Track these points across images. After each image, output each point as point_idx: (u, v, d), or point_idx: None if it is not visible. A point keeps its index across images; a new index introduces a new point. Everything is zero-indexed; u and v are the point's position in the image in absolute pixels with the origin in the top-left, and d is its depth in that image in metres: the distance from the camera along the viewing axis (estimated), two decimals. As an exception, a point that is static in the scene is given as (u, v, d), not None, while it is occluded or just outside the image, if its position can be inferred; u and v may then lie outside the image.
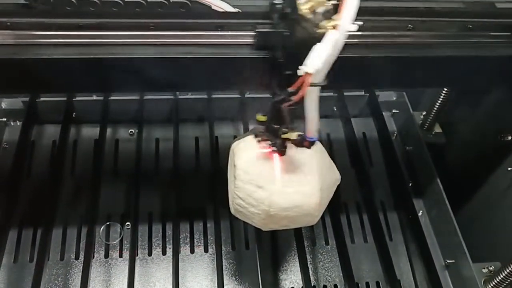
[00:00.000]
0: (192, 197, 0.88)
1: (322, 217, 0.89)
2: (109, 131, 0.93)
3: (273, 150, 0.62)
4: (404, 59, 0.57)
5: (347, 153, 0.96)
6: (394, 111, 1.00)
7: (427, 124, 0.97)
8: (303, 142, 0.60)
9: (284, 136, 0.59)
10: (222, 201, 0.72)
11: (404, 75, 0.60)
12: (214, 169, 0.86)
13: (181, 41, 0.53)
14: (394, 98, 1.00)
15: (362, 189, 0.89)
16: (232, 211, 0.71)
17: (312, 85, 0.50)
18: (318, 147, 0.70)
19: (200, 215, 0.87)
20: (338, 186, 0.72)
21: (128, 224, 0.85)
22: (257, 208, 0.66)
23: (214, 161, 0.87)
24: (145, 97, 0.92)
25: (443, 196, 0.84)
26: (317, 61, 0.47)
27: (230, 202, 0.70)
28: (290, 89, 0.52)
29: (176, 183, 0.85)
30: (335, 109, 0.98)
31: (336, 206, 0.85)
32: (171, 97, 0.92)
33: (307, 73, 0.48)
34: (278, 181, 0.65)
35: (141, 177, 0.87)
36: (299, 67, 0.48)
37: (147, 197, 0.87)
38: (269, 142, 0.63)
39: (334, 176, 0.71)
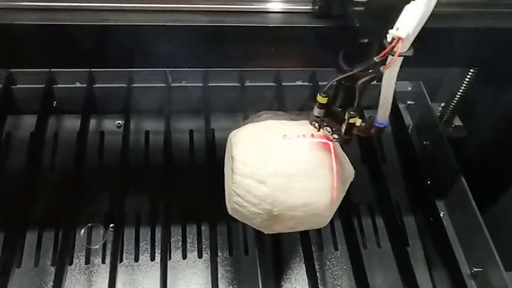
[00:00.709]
0: (185, 196, 0.79)
1: (330, 220, 0.80)
2: (93, 122, 0.84)
3: (334, 139, 0.54)
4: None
5: (358, 148, 0.87)
6: (409, 102, 0.91)
7: (445, 117, 0.88)
8: (371, 129, 0.51)
9: (350, 120, 0.51)
10: (219, 200, 0.64)
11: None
12: (210, 165, 0.77)
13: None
14: (409, 88, 0.91)
15: (375, 188, 0.80)
16: (229, 210, 0.61)
17: (400, 55, 0.42)
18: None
19: (193, 216, 0.78)
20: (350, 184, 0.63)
21: (112, 226, 0.75)
22: (258, 207, 0.57)
23: (210, 156, 0.78)
24: (134, 85, 0.83)
25: (469, 195, 0.75)
26: (411, 24, 0.40)
27: (227, 201, 0.61)
28: (377, 59, 0.44)
29: (168, 180, 0.76)
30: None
31: (346, 207, 0.75)
32: (163, 85, 0.83)
33: (399, 38, 0.41)
34: (284, 175, 0.56)
35: (129, 173, 0.78)
36: (389, 31, 0.41)
37: (135, 196, 0.78)
38: (329, 129, 0.54)
39: (347, 171, 0.62)
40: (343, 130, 0.52)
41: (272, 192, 0.56)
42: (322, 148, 0.58)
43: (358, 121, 0.50)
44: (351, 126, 0.51)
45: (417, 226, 0.81)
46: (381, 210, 0.79)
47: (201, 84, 0.84)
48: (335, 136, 0.53)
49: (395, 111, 0.85)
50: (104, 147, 0.84)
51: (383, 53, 0.43)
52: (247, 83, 0.85)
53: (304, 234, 0.70)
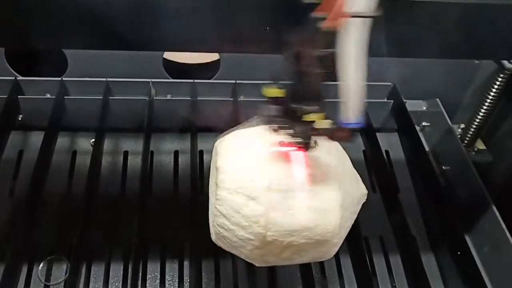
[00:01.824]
0: (165, 226, 0.68)
1: (336, 255, 0.68)
2: (64, 140, 0.73)
3: (293, 144, 0.43)
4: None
5: (367, 175, 0.76)
6: (424, 124, 0.81)
7: (466, 140, 0.78)
8: (337, 132, 0.40)
9: (307, 118, 0.40)
10: (203, 231, 0.52)
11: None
12: (195, 191, 0.65)
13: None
14: (424, 108, 0.80)
15: (390, 220, 0.68)
16: (213, 237, 0.50)
17: (355, 15, 0.32)
18: (338, 147, 0.50)
19: (174, 249, 0.66)
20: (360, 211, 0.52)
21: (77, 260, 0.63)
22: (248, 231, 0.45)
23: (195, 182, 0.66)
24: (111, 97, 0.72)
25: (503, 228, 0.63)
26: None
27: (211, 224, 0.49)
28: (315, 14, 0.33)
29: (145, 207, 0.64)
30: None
31: (354, 241, 0.64)
32: (145, 98, 0.73)
33: None
34: (279, 190, 0.45)
35: (100, 199, 0.68)
36: None
37: (106, 226, 0.67)
38: (287, 132, 0.43)
39: (359, 190, 0.50)
40: (301, 131, 0.41)
41: (266, 211, 0.44)
42: (326, 157, 0.47)
43: (315, 117, 0.39)
44: (309, 126, 0.40)
45: (439, 265, 0.69)
46: (397, 245, 0.67)
47: (189, 98, 0.74)
48: (293, 139, 0.43)
49: (411, 132, 0.75)
50: (76, 168, 0.73)
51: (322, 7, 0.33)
52: (241, 98, 0.75)
53: (306, 269, 0.58)
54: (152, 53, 0.74)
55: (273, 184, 0.44)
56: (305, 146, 0.43)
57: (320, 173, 0.46)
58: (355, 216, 0.50)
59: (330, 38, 0.35)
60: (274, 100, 0.41)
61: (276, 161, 0.45)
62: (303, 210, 0.45)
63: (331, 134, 0.40)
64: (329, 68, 0.37)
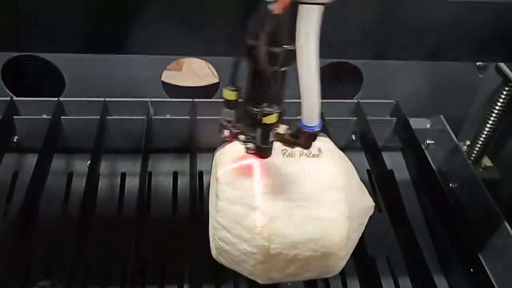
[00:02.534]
0: (164, 249, 0.65)
1: (343, 276, 0.65)
2: (60, 161, 0.71)
3: (248, 150, 0.40)
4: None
5: (372, 195, 0.73)
6: (428, 142, 0.79)
7: (473, 157, 0.76)
8: (298, 137, 0.37)
9: (267, 121, 0.37)
10: (204, 254, 0.50)
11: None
12: (194, 213, 0.62)
13: None
14: (428, 126, 0.79)
15: (397, 239, 0.65)
16: (213, 252, 0.47)
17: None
18: (343, 157, 0.48)
19: (172, 273, 0.63)
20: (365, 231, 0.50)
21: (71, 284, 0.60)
22: (251, 244, 0.43)
23: (194, 203, 0.64)
24: (108, 117, 0.71)
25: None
26: None
27: (211, 239, 0.47)
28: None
29: (143, 231, 0.62)
30: (354, 138, 0.77)
31: (361, 261, 0.61)
32: (142, 117, 0.71)
33: None
34: (283, 199, 0.43)
35: (97, 222, 0.66)
36: None
37: (102, 250, 0.64)
38: (242, 137, 0.40)
39: (366, 202, 0.48)
40: (258, 136, 0.39)
41: (269, 222, 0.42)
42: (331, 166, 0.45)
43: (272, 119, 0.37)
44: (267, 128, 0.38)
45: (450, 285, 0.66)
46: (406, 265, 0.64)
47: (188, 117, 0.72)
48: (249, 146, 0.40)
49: (416, 150, 0.73)
50: (72, 191, 0.71)
51: None
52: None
53: (309, 282, 0.55)
54: (150, 72, 0.73)
55: (276, 193, 0.42)
56: (265, 152, 0.40)
57: (306, 182, 0.43)
58: (362, 229, 0.48)
59: (282, 25, 0.32)
60: (230, 104, 0.39)
61: (279, 169, 0.44)
62: (308, 220, 0.43)
63: (291, 139, 0.38)
64: (285, 65, 0.35)
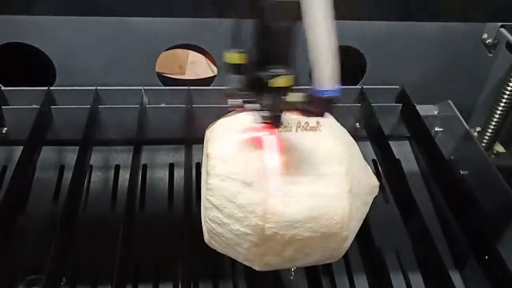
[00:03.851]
0: (158, 244, 0.62)
1: (349, 270, 0.61)
2: (49, 154, 0.68)
3: (262, 123, 0.37)
4: None
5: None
6: (436, 129, 0.75)
7: (484, 144, 0.72)
8: (312, 105, 0.34)
9: (274, 84, 0.34)
10: (200, 248, 0.46)
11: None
12: (190, 207, 0.58)
13: None
14: (436, 112, 0.75)
15: (407, 230, 0.61)
16: (205, 236, 0.44)
17: None
18: (344, 132, 0.45)
19: (167, 271, 0.60)
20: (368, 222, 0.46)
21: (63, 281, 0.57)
22: (244, 224, 0.39)
23: (189, 195, 0.60)
24: (100, 106, 0.68)
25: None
26: None
27: (203, 221, 0.44)
28: None
29: (137, 225, 0.58)
30: (358, 126, 0.73)
31: (369, 256, 0.57)
32: (135, 106, 0.68)
33: None
34: (278, 174, 0.39)
35: (88, 217, 0.64)
36: None
37: (93, 245, 0.61)
38: (252, 107, 0.37)
39: (369, 179, 0.45)
40: (267, 103, 0.35)
41: (264, 198, 0.39)
42: (330, 139, 0.42)
43: (284, 82, 0.33)
44: (277, 93, 0.34)
45: (465, 279, 0.62)
46: (417, 259, 0.61)
47: (184, 105, 0.69)
48: (264, 114, 0.36)
49: (425, 138, 0.69)
50: (63, 184, 0.68)
51: None
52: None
53: (313, 273, 0.51)
54: (144, 60, 0.70)
55: (271, 167, 0.39)
56: (275, 121, 0.37)
57: (305, 156, 0.40)
58: (366, 209, 0.44)
59: None
60: (236, 68, 0.35)
61: (276, 143, 0.40)
62: (306, 197, 0.39)
63: (305, 107, 0.34)
64: (295, 19, 0.31)
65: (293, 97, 0.35)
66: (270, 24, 0.32)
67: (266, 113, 0.36)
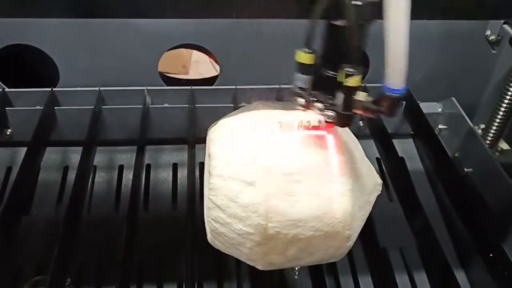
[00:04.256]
0: (162, 244, 0.62)
1: (354, 270, 0.61)
2: (54, 155, 0.69)
3: (328, 119, 0.37)
4: None
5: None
6: (440, 127, 0.75)
7: (488, 141, 0.71)
8: (382, 102, 0.34)
9: (348, 83, 0.34)
10: (205, 248, 0.46)
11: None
12: (194, 207, 0.59)
13: None
14: (440, 110, 0.75)
15: (411, 229, 0.61)
16: (208, 236, 0.44)
17: None
18: (346, 130, 0.45)
19: (171, 271, 0.60)
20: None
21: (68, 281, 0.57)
22: (247, 223, 0.39)
23: (193, 196, 0.60)
24: (103, 106, 0.68)
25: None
26: None
27: (206, 221, 0.44)
28: None
29: (141, 225, 0.59)
30: (362, 124, 0.73)
31: (372, 253, 0.57)
32: (139, 106, 0.68)
33: None
34: (280, 173, 0.39)
35: (92, 217, 0.63)
36: None
37: (97, 245, 0.61)
38: (320, 106, 0.38)
39: (372, 178, 0.45)
40: (339, 102, 0.35)
41: (265, 198, 0.39)
42: (330, 141, 0.41)
43: (356, 81, 0.34)
44: (350, 92, 0.34)
45: (470, 279, 0.61)
46: (422, 258, 0.60)
47: (187, 105, 0.69)
48: (330, 113, 0.37)
49: (429, 136, 0.68)
50: (66, 185, 0.68)
51: None
52: (242, 104, 0.70)
53: (317, 272, 0.51)
54: (147, 60, 0.70)
55: (273, 166, 0.39)
56: (346, 120, 0.37)
57: (307, 154, 0.40)
58: (369, 208, 0.44)
59: None
60: (306, 68, 0.36)
61: (275, 142, 0.40)
62: (308, 196, 0.39)
63: (374, 106, 0.34)
64: (371, 20, 0.33)
65: (361, 96, 0.35)
66: (348, 22, 0.32)
67: (332, 113, 0.37)
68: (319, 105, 0.37)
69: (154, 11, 0.35)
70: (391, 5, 0.30)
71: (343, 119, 0.36)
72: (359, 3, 0.32)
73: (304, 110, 0.39)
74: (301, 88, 0.37)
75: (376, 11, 0.31)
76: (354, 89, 0.34)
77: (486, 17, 0.59)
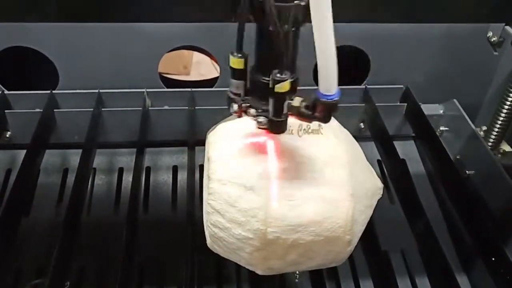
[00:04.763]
0: (162, 247, 0.61)
1: (355, 273, 0.61)
2: (53, 157, 0.68)
3: (259, 124, 0.37)
4: None
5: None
6: (442, 128, 0.74)
7: (490, 143, 0.71)
8: (315, 107, 0.34)
9: (279, 89, 0.33)
10: (204, 252, 0.46)
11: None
12: (194, 209, 0.58)
13: None
14: (441, 111, 0.74)
15: (412, 232, 0.61)
16: (208, 241, 0.43)
17: None
18: (347, 134, 0.45)
19: (171, 274, 0.60)
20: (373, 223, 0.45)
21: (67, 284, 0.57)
22: (246, 228, 0.39)
23: (193, 198, 0.60)
24: (103, 109, 0.68)
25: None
26: None
27: (205, 225, 0.43)
28: None
29: (141, 228, 0.58)
30: (363, 126, 0.73)
31: (373, 256, 0.57)
32: (138, 109, 0.68)
33: None
34: (280, 177, 0.39)
35: (92, 220, 0.63)
36: None
37: (97, 248, 0.61)
38: (253, 112, 0.37)
39: (373, 182, 0.44)
40: (270, 108, 0.35)
41: (265, 202, 0.38)
42: (333, 142, 0.41)
43: (285, 87, 0.33)
44: (280, 98, 0.34)
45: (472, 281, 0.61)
46: (423, 261, 0.60)
47: (186, 107, 0.69)
48: (261, 120, 0.36)
49: (430, 138, 0.68)
50: (66, 188, 0.68)
51: None
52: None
53: (317, 278, 0.51)
54: (147, 62, 0.70)
55: (272, 170, 0.39)
56: (280, 126, 0.36)
57: (306, 160, 0.39)
58: (370, 212, 0.44)
59: None
60: (238, 73, 0.35)
61: (275, 146, 0.40)
62: (308, 201, 0.39)
63: (308, 112, 0.34)
64: (297, 24, 0.32)
65: (296, 101, 0.35)
66: (273, 27, 0.31)
67: (263, 119, 0.36)
68: (252, 111, 0.36)
69: (150, 15, 0.35)
70: (313, 9, 0.29)
71: (275, 125, 0.36)
72: (285, 5, 0.31)
73: (238, 116, 0.38)
74: (234, 93, 0.37)
75: (304, 14, 0.31)
76: (284, 95, 0.34)
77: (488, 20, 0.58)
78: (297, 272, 0.53)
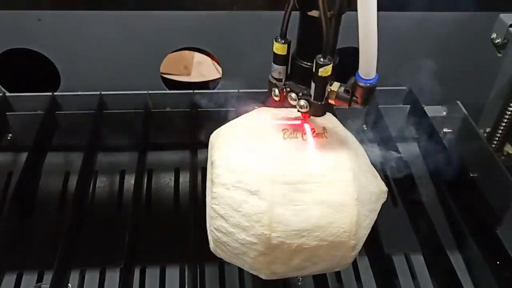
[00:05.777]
0: (165, 249, 0.61)
1: (358, 276, 0.60)
2: (55, 159, 0.68)
3: (301, 108, 0.38)
4: None
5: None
6: (445, 130, 0.74)
7: (494, 145, 0.70)
8: (354, 91, 0.35)
9: (322, 73, 0.34)
10: (207, 254, 0.46)
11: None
12: (197, 212, 0.58)
13: None
14: (445, 113, 0.74)
15: (416, 235, 0.61)
16: (211, 245, 0.43)
17: None
18: (351, 138, 0.44)
19: (173, 277, 0.59)
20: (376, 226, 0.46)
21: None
22: (250, 233, 0.39)
23: (195, 200, 0.59)
24: (105, 111, 0.68)
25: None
26: None
27: (208, 230, 0.43)
28: None
29: (143, 230, 0.58)
30: (365, 127, 0.72)
31: (377, 259, 0.57)
32: (140, 110, 0.67)
33: None
34: (284, 182, 0.39)
35: (94, 223, 0.62)
36: None
37: (99, 250, 0.60)
38: (293, 96, 0.38)
39: (377, 186, 0.44)
40: (312, 92, 0.36)
41: (270, 207, 0.38)
42: (337, 145, 0.41)
43: (328, 71, 0.34)
44: (323, 81, 0.35)
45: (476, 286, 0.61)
46: (427, 264, 0.60)
47: (188, 109, 0.68)
48: (302, 103, 0.37)
49: (433, 138, 0.68)
50: (68, 189, 0.67)
51: None
52: (245, 108, 0.69)
53: (321, 283, 0.50)
54: (148, 64, 0.69)
55: (277, 175, 0.38)
56: (318, 110, 0.37)
57: (310, 161, 0.40)
58: (375, 216, 0.44)
59: None
60: (279, 58, 0.37)
61: (279, 150, 0.40)
62: (313, 205, 0.38)
63: (348, 96, 0.35)
64: (342, 10, 0.33)
65: (335, 86, 0.36)
66: (320, 12, 0.32)
67: (304, 102, 0.37)
68: (293, 95, 0.38)
69: (151, 3, 0.35)
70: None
71: (316, 109, 0.37)
72: None
73: (278, 101, 0.39)
74: (276, 79, 0.38)
75: (349, 1, 0.32)
76: (326, 79, 0.35)
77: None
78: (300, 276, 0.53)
